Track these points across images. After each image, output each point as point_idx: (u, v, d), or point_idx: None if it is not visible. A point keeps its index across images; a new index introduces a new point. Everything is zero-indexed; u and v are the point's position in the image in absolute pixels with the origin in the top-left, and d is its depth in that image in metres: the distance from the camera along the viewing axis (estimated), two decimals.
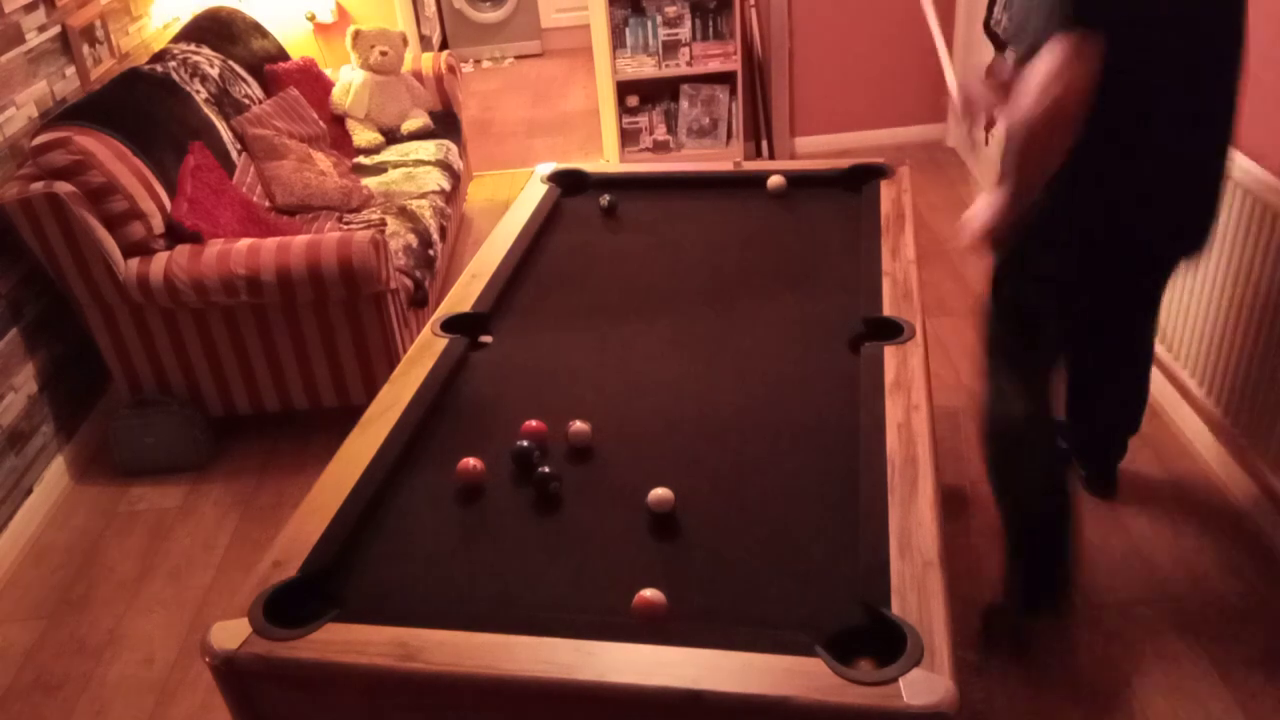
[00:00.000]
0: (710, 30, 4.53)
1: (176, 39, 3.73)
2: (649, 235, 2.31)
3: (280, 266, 2.76)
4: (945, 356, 3.25)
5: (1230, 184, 2.40)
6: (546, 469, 1.54)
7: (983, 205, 1.89)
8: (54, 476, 2.99)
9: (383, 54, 4.09)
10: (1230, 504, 2.54)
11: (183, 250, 2.84)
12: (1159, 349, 2.81)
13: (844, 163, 2.49)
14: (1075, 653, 2.19)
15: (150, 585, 2.65)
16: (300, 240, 2.80)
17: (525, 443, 1.60)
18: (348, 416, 1.87)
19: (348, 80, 4.15)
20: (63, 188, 2.71)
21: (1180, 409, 2.80)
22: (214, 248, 2.83)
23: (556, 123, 5.64)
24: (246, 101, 3.72)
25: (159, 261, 2.81)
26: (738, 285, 2.07)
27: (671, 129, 4.79)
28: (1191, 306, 2.63)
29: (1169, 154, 1.86)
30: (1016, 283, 2.08)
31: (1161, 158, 1.85)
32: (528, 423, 1.66)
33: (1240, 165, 2.37)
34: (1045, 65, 1.62)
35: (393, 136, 4.15)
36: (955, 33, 4.54)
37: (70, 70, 3.27)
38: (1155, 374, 2.92)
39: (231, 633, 1.29)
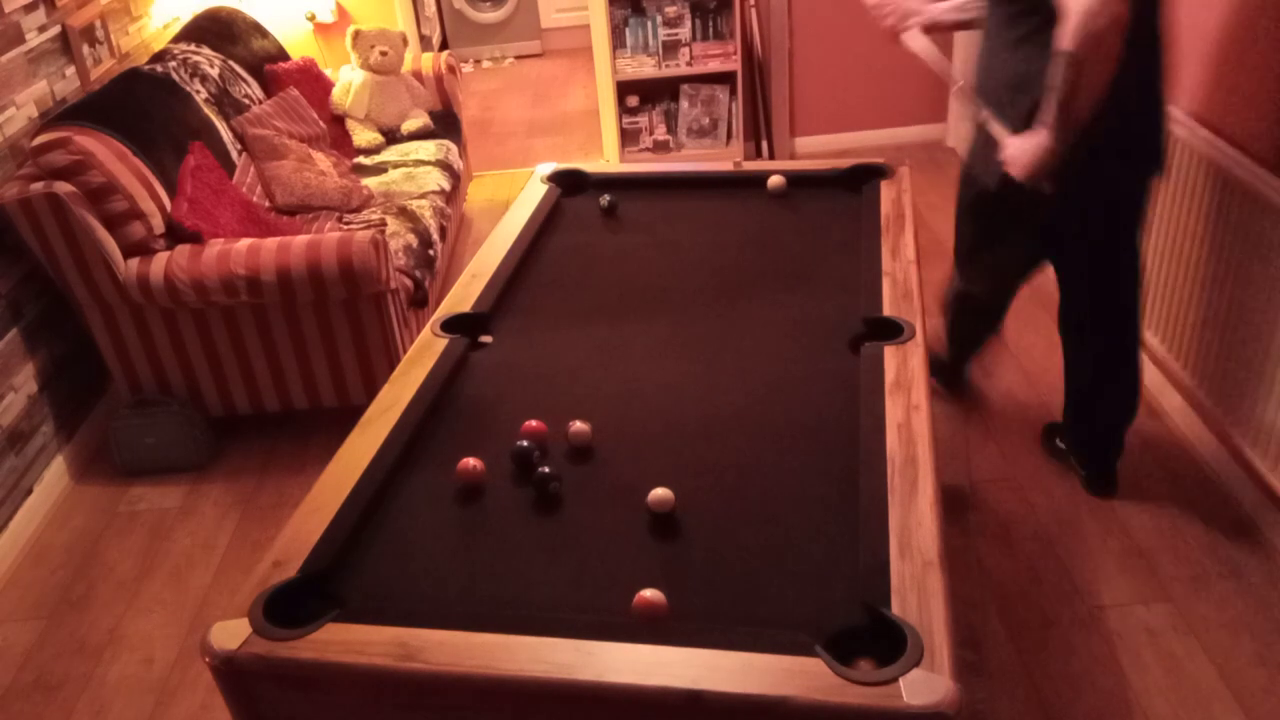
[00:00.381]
0: (710, 30, 4.53)
1: (176, 39, 3.73)
2: (649, 235, 2.31)
3: (280, 266, 2.76)
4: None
5: (1231, 182, 2.41)
6: (546, 469, 1.54)
7: (1026, 145, 2.01)
8: (54, 476, 2.99)
9: (383, 54, 4.09)
10: (1230, 504, 2.55)
11: (183, 250, 2.84)
12: (1161, 349, 2.81)
13: (844, 163, 2.49)
14: (1075, 653, 2.19)
15: (150, 585, 2.65)
16: (300, 240, 2.80)
17: (525, 443, 1.60)
18: (348, 416, 1.87)
19: (348, 80, 4.15)
20: (63, 188, 2.71)
21: (1181, 410, 2.81)
22: (214, 248, 2.83)
23: (556, 123, 5.65)
24: (246, 101, 3.72)
25: (159, 261, 2.81)
26: (738, 285, 2.07)
27: (671, 129, 4.79)
28: (1193, 308, 2.63)
29: (1161, 115, 2.11)
30: (1015, 234, 2.36)
31: (1157, 118, 2.11)
32: (528, 423, 1.66)
33: (1236, 160, 2.37)
34: (1084, 2, 1.74)
35: (393, 136, 4.16)
36: (955, 32, 4.54)
37: (70, 70, 3.27)
38: (1156, 374, 2.92)
39: (231, 633, 1.29)
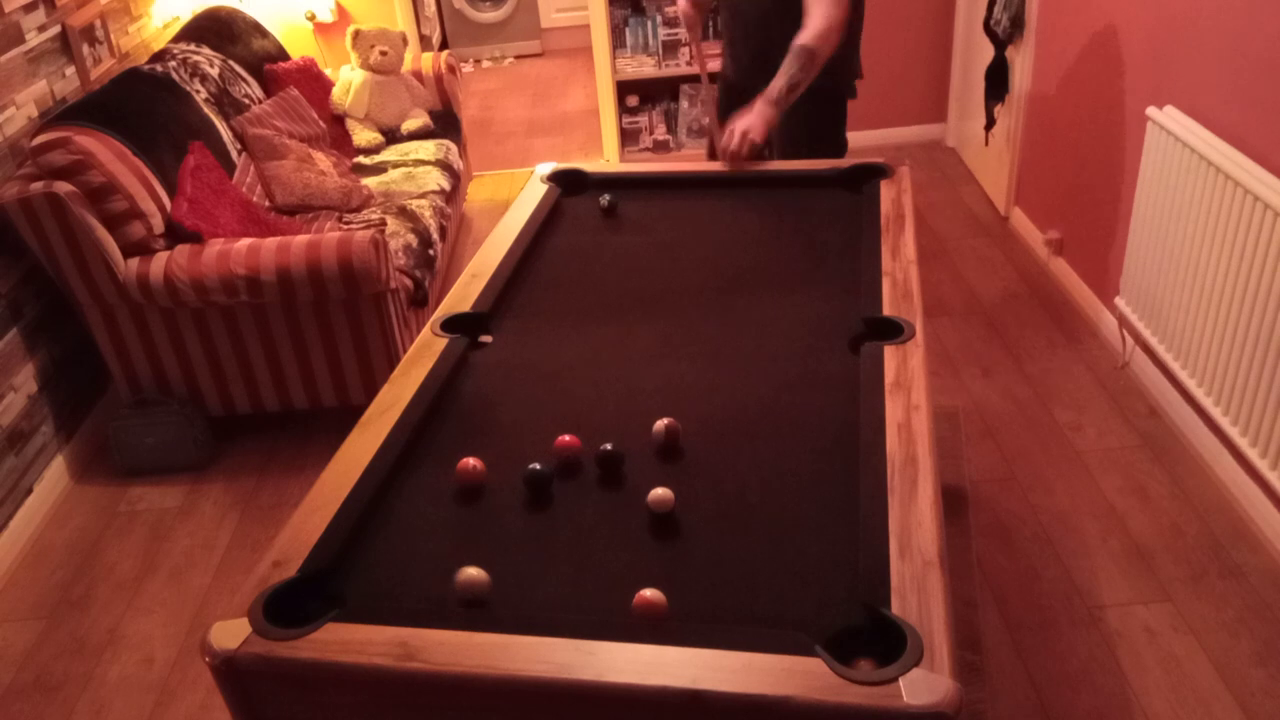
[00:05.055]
0: (711, 30, 4.53)
1: (176, 39, 3.73)
2: (649, 235, 2.31)
3: (280, 266, 2.76)
4: (945, 356, 3.25)
5: (1239, 190, 2.41)
6: (538, 465, 1.54)
7: (755, 120, 2.49)
8: (54, 476, 2.99)
9: (383, 54, 4.09)
10: (1230, 504, 2.55)
11: (183, 250, 2.84)
12: (1160, 348, 2.81)
13: (844, 163, 2.49)
14: (1075, 653, 2.19)
15: (150, 585, 2.65)
16: (300, 240, 2.80)
17: (538, 465, 1.54)
18: (348, 416, 1.87)
19: (348, 80, 4.15)
20: (63, 188, 2.71)
21: (1181, 410, 2.81)
22: (214, 248, 2.83)
23: (556, 123, 5.65)
24: (246, 101, 3.72)
25: (159, 261, 2.81)
26: (738, 285, 2.07)
27: (671, 129, 4.79)
28: (1192, 307, 2.63)
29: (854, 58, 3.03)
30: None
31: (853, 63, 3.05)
32: (561, 437, 1.61)
33: (1237, 162, 2.38)
34: (833, 12, 2.52)
35: (393, 136, 4.16)
36: (955, 32, 4.54)
37: (70, 70, 3.27)
38: (1155, 373, 2.92)
39: (231, 633, 1.29)
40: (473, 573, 1.34)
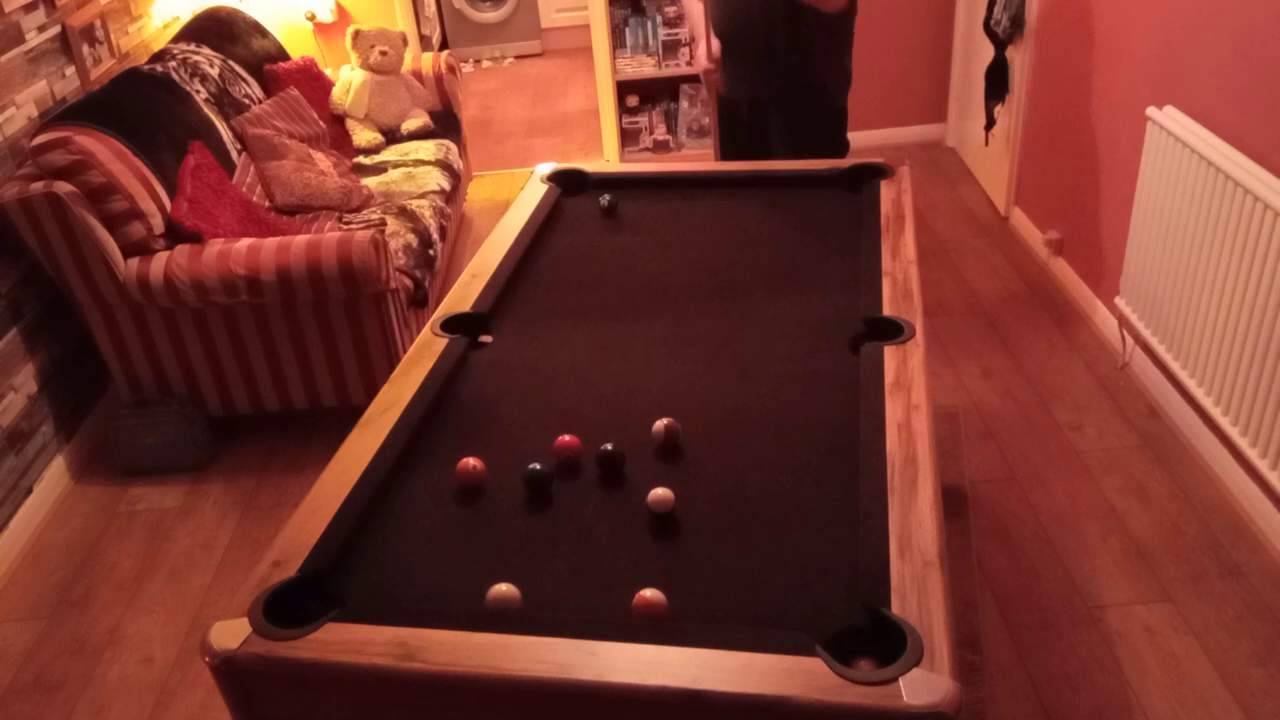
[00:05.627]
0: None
1: (176, 39, 3.73)
2: (649, 235, 2.31)
3: (280, 266, 2.76)
4: (945, 356, 3.25)
5: (1239, 189, 2.41)
6: (538, 465, 1.54)
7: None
8: (54, 476, 2.99)
9: (383, 54, 4.09)
10: (1230, 504, 2.55)
11: (183, 250, 2.84)
12: (1160, 348, 2.81)
13: (844, 163, 2.49)
14: (1075, 653, 2.19)
15: (150, 585, 2.65)
16: (300, 240, 2.80)
17: (539, 465, 1.55)
18: (348, 416, 1.87)
19: (348, 80, 4.15)
20: (63, 188, 2.71)
21: (1181, 410, 2.81)
22: (214, 248, 2.83)
23: (556, 123, 5.65)
24: (246, 101, 3.72)
25: (159, 261, 2.81)
26: (738, 285, 2.07)
27: (671, 129, 4.79)
28: (1192, 307, 2.63)
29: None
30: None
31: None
32: (562, 437, 1.61)
33: (1237, 162, 2.37)
34: None
35: (393, 136, 4.16)
36: (955, 32, 4.54)
37: (70, 70, 3.27)
38: (1155, 373, 2.92)
39: (231, 633, 1.29)
40: (504, 589, 1.34)
